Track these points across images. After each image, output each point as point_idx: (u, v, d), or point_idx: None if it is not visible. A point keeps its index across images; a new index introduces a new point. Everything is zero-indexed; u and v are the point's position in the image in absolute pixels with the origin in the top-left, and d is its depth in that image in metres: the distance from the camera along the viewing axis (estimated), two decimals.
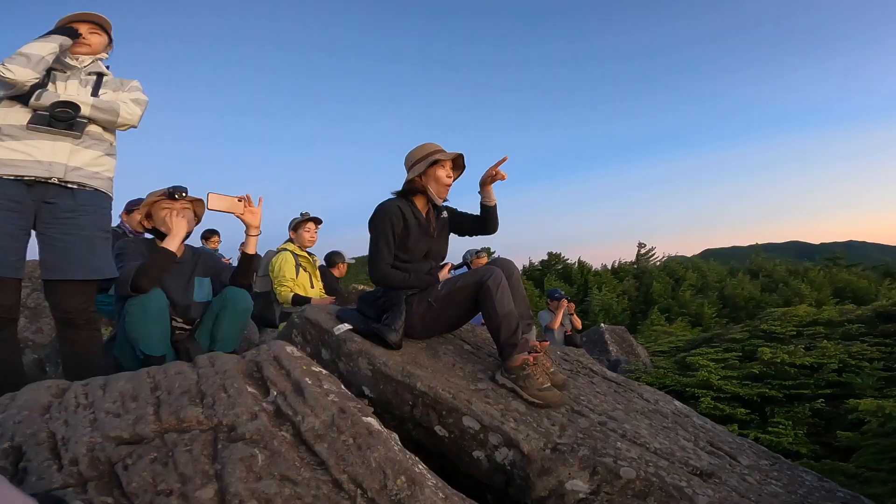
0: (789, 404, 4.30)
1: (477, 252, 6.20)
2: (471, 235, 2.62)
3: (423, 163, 2.37)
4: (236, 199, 2.53)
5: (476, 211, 2.54)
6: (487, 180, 2.43)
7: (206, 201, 2.46)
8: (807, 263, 25.09)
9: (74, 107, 2.12)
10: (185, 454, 1.07)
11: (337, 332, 2.27)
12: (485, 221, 2.53)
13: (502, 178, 2.41)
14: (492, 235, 2.63)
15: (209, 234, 6.56)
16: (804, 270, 22.08)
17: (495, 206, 2.49)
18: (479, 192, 2.49)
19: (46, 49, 2.11)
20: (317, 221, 4.52)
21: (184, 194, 2.48)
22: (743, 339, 6.04)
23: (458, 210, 2.63)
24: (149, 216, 2.57)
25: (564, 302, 7.25)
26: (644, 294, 20.53)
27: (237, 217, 2.55)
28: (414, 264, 2.39)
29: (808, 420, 4.02)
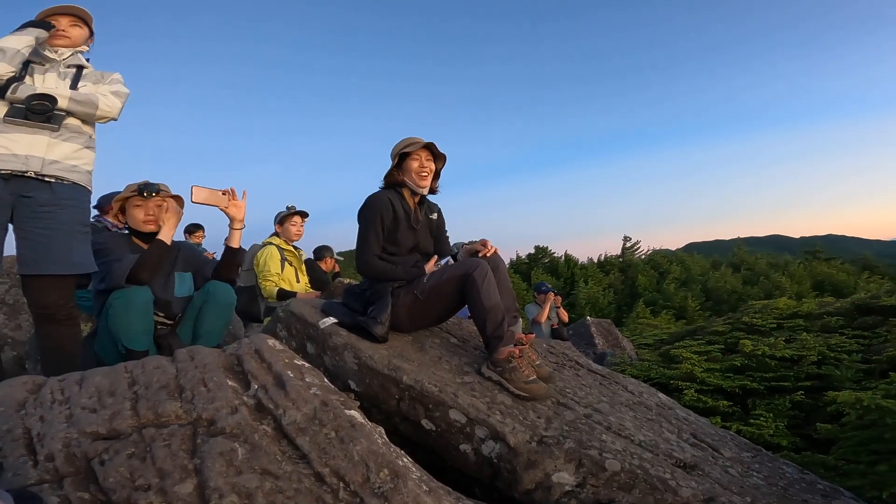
0: (770, 396, 4.36)
1: (465, 245, 6.17)
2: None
3: (396, 157, 2.42)
4: (220, 193, 2.49)
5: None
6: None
7: (190, 194, 2.42)
8: (787, 257, 25.52)
9: (51, 99, 2.09)
10: (163, 449, 1.05)
11: (322, 326, 2.25)
12: (440, 250, 2.63)
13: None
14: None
15: (193, 229, 6.46)
16: (785, 264, 22.47)
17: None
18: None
19: (22, 42, 2.08)
20: (303, 215, 4.47)
21: (153, 193, 2.43)
22: (725, 332, 6.12)
23: (444, 228, 2.69)
24: (122, 211, 2.52)
25: (551, 295, 7.29)
26: (629, 287, 20.74)
27: (221, 210, 2.51)
28: (401, 257, 2.39)
29: (788, 412, 4.08)
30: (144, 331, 2.27)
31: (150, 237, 2.49)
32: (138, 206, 2.46)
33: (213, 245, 6.53)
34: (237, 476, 0.99)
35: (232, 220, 2.54)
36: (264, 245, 4.31)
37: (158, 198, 2.46)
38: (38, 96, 2.06)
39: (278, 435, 1.14)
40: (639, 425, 2.04)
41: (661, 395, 2.58)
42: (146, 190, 2.41)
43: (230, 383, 1.28)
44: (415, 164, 2.39)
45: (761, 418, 3.94)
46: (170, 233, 2.41)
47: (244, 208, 2.56)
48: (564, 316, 7.56)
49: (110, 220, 3.66)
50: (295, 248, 4.45)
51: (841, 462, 2.72)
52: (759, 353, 4.83)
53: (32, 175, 2.08)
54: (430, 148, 2.42)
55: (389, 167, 2.44)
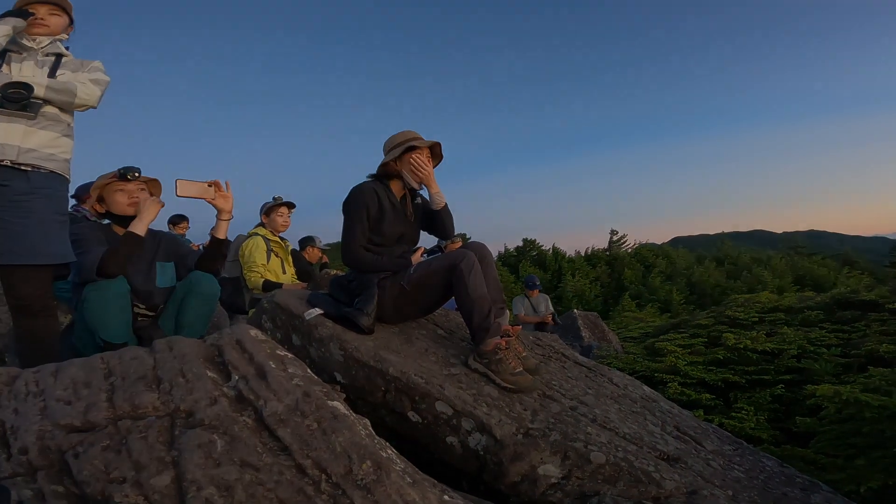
0: (751, 390, 4.42)
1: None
2: (429, 233, 2.62)
3: (399, 148, 2.37)
4: (206, 185, 2.43)
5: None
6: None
7: (174, 188, 2.36)
8: (770, 252, 25.93)
9: (27, 87, 2.05)
10: (139, 441, 1.03)
11: (308, 317, 2.23)
12: (435, 224, 2.52)
13: (425, 174, 2.37)
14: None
15: (178, 220, 6.35)
16: (767, 258, 22.83)
17: (441, 209, 2.46)
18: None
19: None
20: (290, 206, 4.41)
21: (136, 175, 2.38)
22: (709, 325, 6.18)
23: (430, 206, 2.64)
24: (100, 200, 2.46)
25: (549, 318, 7.31)
26: (616, 280, 20.94)
27: (208, 202, 2.45)
28: (387, 248, 2.36)
29: (768, 406, 4.14)
30: (122, 323, 2.23)
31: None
32: (120, 190, 2.40)
33: (197, 236, 6.43)
34: (216, 468, 0.97)
35: (220, 211, 2.48)
36: (250, 236, 4.25)
37: (139, 181, 2.41)
38: (13, 84, 2.02)
39: (259, 426, 1.12)
40: (623, 418, 2.05)
41: (645, 387, 2.60)
42: (129, 173, 2.36)
43: (210, 374, 1.26)
44: (418, 159, 2.37)
45: (743, 411, 4.00)
46: (144, 224, 2.33)
47: (232, 199, 2.50)
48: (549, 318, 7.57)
49: (88, 209, 3.58)
50: (281, 239, 4.40)
51: (820, 456, 2.77)
52: (741, 346, 4.90)
53: (8, 164, 2.04)
54: (432, 147, 2.43)
55: (390, 157, 2.37)
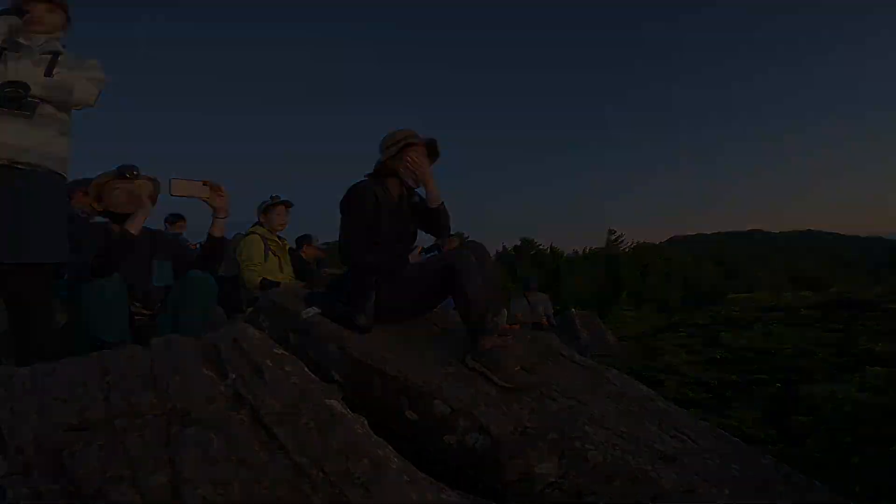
0: (748, 389, 4.44)
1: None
2: (425, 231, 2.61)
3: (395, 146, 2.37)
4: (201, 184, 2.43)
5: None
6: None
7: (169, 188, 2.35)
8: (767, 251, 25.99)
9: (24, 86, 2.05)
10: (136, 440, 1.03)
11: (305, 316, 2.23)
12: (431, 222, 2.50)
13: (422, 171, 2.38)
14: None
15: (175, 219, 6.31)
16: (764, 258, 22.89)
17: (437, 207, 2.43)
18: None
19: None
20: (287, 204, 4.41)
21: (135, 173, 2.38)
22: (706, 325, 6.21)
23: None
24: (99, 198, 2.46)
25: (545, 321, 7.32)
26: (613, 279, 20.94)
27: (203, 201, 2.45)
28: (384, 246, 2.37)
29: (765, 405, 4.16)
30: (119, 322, 2.23)
31: None
32: (119, 188, 2.40)
33: (194, 235, 6.41)
34: (212, 466, 0.97)
35: (216, 209, 2.48)
36: (248, 234, 4.25)
37: (139, 179, 2.42)
38: (9, 83, 2.02)
39: (255, 425, 1.13)
40: (621, 417, 2.05)
41: (642, 386, 2.60)
42: (127, 171, 2.36)
43: (206, 372, 1.26)
44: (414, 157, 2.38)
45: (739, 410, 4.02)
46: (138, 222, 2.33)
47: (227, 197, 2.50)
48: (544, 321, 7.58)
49: (82, 206, 3.57)
50: (279, 237, 4.39)
51: (816, 454, 2.78)
52: (738, 345, 4.92)
53: (5, 162, 2.04)
54: (429, 144, 2.44)
55: (386, 155, 2.38)
